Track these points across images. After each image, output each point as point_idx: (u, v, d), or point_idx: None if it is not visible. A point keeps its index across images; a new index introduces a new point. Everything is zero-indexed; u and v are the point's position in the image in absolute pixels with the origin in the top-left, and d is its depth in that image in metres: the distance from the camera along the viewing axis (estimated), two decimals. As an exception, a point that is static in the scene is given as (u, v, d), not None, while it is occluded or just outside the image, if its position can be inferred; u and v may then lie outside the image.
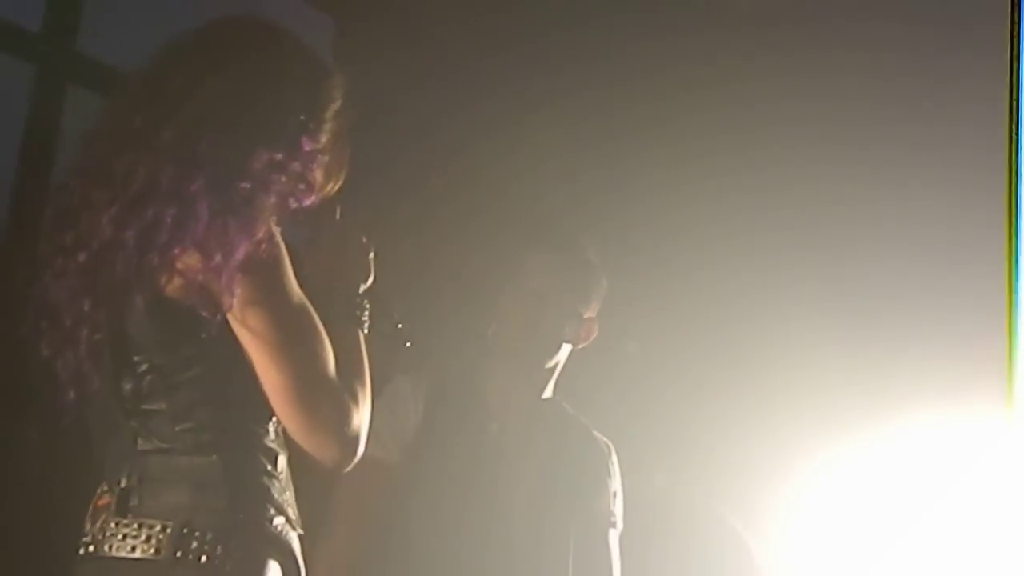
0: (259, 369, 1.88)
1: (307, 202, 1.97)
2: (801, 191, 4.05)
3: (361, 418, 1.94)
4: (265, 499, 1.91)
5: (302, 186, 1.96)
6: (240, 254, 1.84)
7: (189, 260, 1.86)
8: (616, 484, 3.15)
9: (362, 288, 2.13)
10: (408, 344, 2.23)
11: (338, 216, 2.17)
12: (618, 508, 3.13)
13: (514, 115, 3.94)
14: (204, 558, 1.84)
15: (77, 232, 1.93)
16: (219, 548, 1.84)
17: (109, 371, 1.93)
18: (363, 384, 1.98)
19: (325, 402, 1.89)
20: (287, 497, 1.96)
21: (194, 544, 1.84)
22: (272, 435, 1.97)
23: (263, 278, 1.87)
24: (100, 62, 3.48)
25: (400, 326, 2.22)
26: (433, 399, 3.02)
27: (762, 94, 4.05)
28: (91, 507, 1.95)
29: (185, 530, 1.85)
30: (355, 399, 1.93)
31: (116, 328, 1.92)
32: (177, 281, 1.88)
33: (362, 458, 2.83)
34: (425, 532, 2.90)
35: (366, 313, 2.10)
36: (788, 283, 3.98)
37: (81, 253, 1.92)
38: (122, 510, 1.88)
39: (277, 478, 1.94)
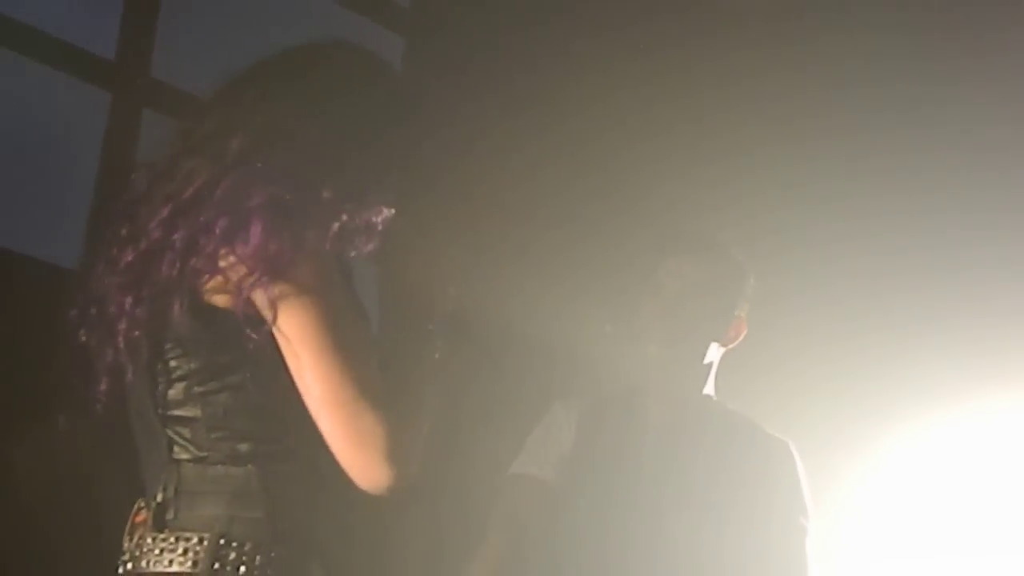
0: (299, 382, 1.80)
1: (367, 250, 1.89)
2: (913, 183, 4.02)
3: (410, 439, 1.78)
4: (308, 510, 1.86)
5: (366, 237, 1.88)
6: (286, 271, 1.79)
7: (234, 272, 1.83)
8: (805, 486, 2.94)
9: (442, 306, 1.99)
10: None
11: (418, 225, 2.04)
12: (810, 513, 2.92)
13: (630, 117, 3.92)
14: (243, 569, 1.83)
15: (132, 226, 1.93)
16: (258, 559, 1.84)
17: (144, 372, 1.90)
18: (414, 402, 1.84)
19: (368, 415, 1.76)
20: (334, 507, 1.88)
21: (232, 555, 1.81)
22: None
23: (307, 291, 1.80)
24: (174, 87, 3.53)
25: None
26: (587, 417, 2.98)
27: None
28: (129, 523, 1.96)
29: (223, 541, 1.81)
30: (402, 415, 1.79)
31: (154, 328, 1.90)
32: (220, 289, 1.85)
33: (518, 475, 2.95)
34: (581, 547, 2.85)
35: (442, 334, 1.95)
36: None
37: (132, 247, 1.91)
38: (159, 524, 1.85)
39: (323, 489, 1.84)
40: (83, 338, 1.93)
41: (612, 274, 3.31)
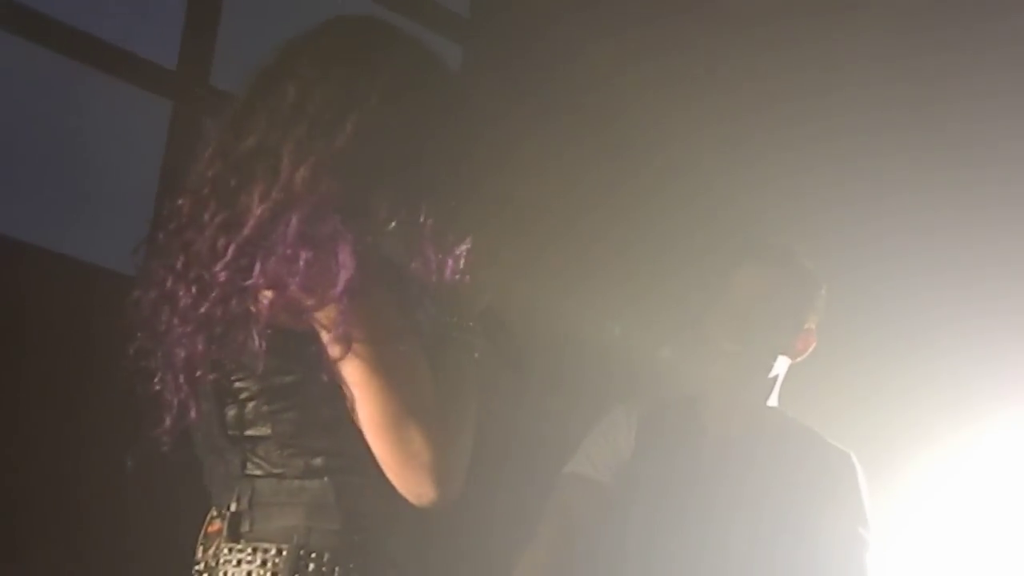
0: (353, 400, 1.81)
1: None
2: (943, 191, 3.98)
3: (457, 452, 1.82)
4: (382, 520, 1.86)
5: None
6: (340, 292, 1.76)
7: (296, 296, 1.80)
8: (866, 497, 2.91)
9: (480, 309, 1.98)
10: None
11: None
12: (870, 524, 2.89)
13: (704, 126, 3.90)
14: None
15: (187, 257, 1.89)
16: (337, 570, 1.82)
17: (212, 399, 1.89)
18: (461, 415, 1.84)
19: (416, 436, 1.78)
20: (411, 518, 1.87)
21: (311, 567, 1.81)
22: None
23: (370, 319, 1.78)
24: (234, 96, 3.54)
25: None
26: (647, 423, 2.95)
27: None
28: (202, 533, 1.96)
29: (302, 552, 1.82)
30: (450, 432, 1.81)
31: (219, 359, 1.88)
32: (288, 316, 1.82)
33: (573, 473, 2.95)
34: (634, 553, 2.85)
35: (479, 337, 1.95)
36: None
37: (195, 286, 1.87)
38: (234, 535, 1.86)
39: (397, 499, 1.83)
40: (144, 375, 1.93)
41: (682, 282, 3.28)
